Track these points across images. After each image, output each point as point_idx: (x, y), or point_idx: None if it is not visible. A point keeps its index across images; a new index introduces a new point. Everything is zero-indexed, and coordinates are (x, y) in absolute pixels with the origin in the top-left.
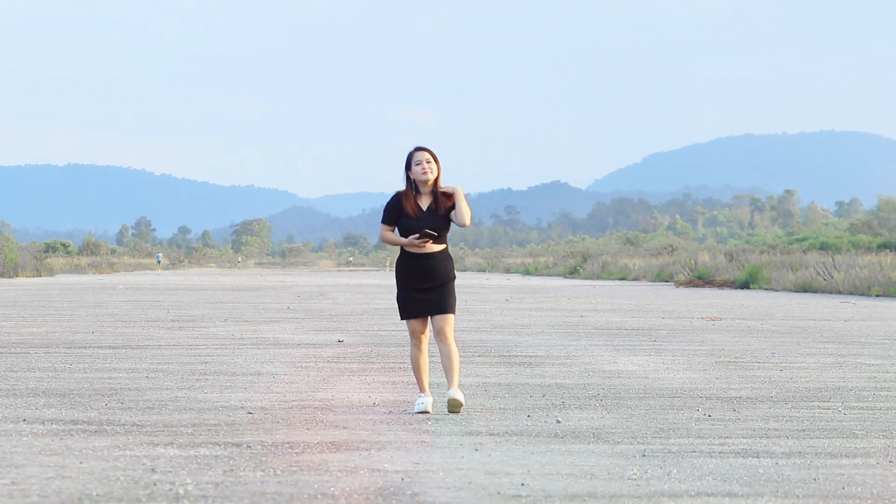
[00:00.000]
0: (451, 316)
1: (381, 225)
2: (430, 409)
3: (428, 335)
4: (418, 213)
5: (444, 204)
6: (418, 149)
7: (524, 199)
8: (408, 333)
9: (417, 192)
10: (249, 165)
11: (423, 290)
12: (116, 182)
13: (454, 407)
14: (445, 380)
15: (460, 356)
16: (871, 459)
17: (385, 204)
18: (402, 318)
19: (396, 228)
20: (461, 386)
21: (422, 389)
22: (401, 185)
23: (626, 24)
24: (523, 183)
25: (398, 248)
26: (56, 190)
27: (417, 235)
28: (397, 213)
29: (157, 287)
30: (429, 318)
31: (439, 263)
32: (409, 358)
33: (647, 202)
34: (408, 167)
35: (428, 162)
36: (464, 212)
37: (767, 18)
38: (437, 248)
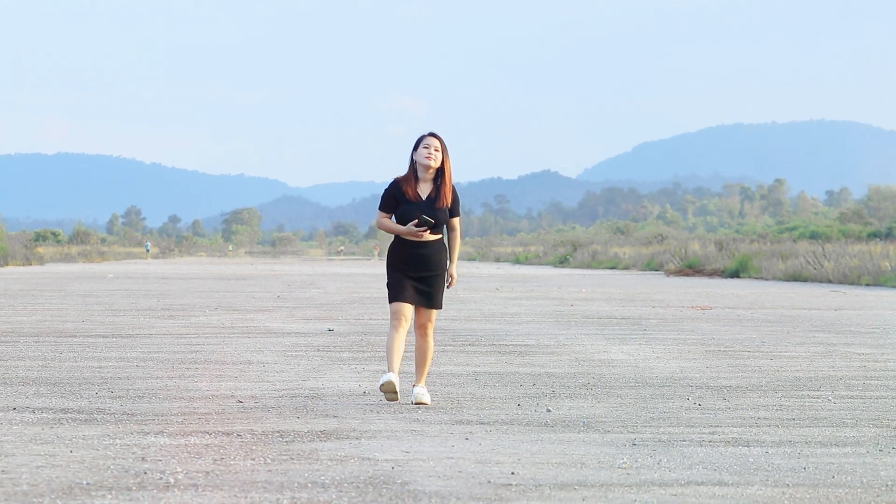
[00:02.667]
0: (435, 311)
1: (378, 212)
2: (395, 381)
3: (409, 322)
4: (418, 199)
5: (445, 196)
6: (431, 134)
7: (514, 187)
8: (390, 317)
9: (417, 178)
10: (239, 154)
11: (416, 279)
12: (106, 171)
13: (419, 405)
14: (415, 373)
15: (438, 349)
16: (861, 448)
17: (384, 190)
18: (391, 301)
19: (394, 216)
20: (427, 379)
21: (390, 368)
22: (396, 173)
23: (617, 13)
24: (513, 172)
25: (388, 236)
26: (46, 179)
27: (416, 222)
28: (395, 199)
29: (148, 276)
30: (413, 307)
31: (434, 253)
32: (386, 340)
33: (637, 191)
34: (415, 148)
35: (436, 150)
36: (455, 247)
37: (758, 7)
38: (433, 237)
